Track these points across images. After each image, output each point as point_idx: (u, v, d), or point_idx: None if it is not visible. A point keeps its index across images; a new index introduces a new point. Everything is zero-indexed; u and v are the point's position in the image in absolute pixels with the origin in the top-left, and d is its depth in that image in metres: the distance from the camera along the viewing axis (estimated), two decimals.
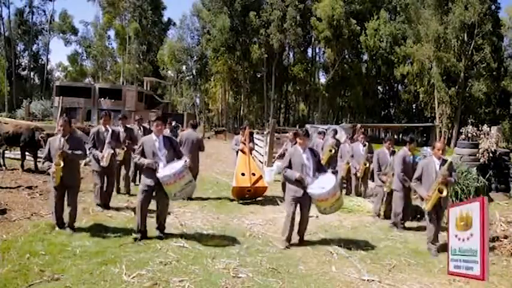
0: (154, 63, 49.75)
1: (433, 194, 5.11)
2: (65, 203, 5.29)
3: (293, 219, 5.27)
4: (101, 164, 6.44)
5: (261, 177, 8.06)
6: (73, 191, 5.29)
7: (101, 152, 6.50)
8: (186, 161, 5.13)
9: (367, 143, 8.29)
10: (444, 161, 5.25)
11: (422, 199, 5.38)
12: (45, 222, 5.58)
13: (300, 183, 5.17)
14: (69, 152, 5.11)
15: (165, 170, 4.99)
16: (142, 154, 5.18)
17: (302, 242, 5.39)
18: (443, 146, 5.44)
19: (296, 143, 5.66)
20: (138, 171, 8.89)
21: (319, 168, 5.36)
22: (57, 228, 5.27)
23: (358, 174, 8.23)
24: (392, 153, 6.89)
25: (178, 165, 5.01)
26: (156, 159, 5.09)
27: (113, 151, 6.62)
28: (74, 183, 5.29)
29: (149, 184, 5.10)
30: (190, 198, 7.99)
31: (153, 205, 5.30)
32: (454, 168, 5.51)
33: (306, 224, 5.41)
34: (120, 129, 7.59)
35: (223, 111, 47.65)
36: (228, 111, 47.57)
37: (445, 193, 5.09)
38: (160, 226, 5.35)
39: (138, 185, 8.69)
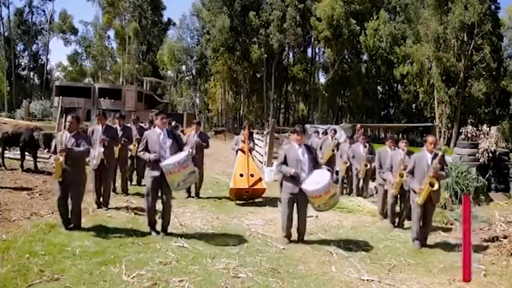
0: (154, 63, 49.68)
1: (424, 187, 5.14)
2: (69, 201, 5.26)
3: (290, 218, 5.26)
4: (93, 163, 6.52)
5: (260, 179, 7.95)
6: (75, 189, 5.22)
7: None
8: (189, 151, 5.40)
9: (367, 144, 8.26)
10: (436, 155, 5.26)
11: (415, 192, 5.37)
12: (44, 222, 5.57)
13: (295, 179, 5.14)
14: (70, 147, 5.11)
15: (169, 159, 5.13)
16: (146, 148, 5.31)
17: (302, 241, 5.36)
18: (435, 140, 5.43)
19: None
20: (135, 171, 8.89)
21: (315, 165, 5.31)
22: (61, 229, 5.25)
23: (360, 176, 8.21)
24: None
25: (182, 154, 5.20)
26: (161, 151, 5.22)
27: (103, 149, 6.62)
28: (76, 180, 5.22)
29: (155, 175, 5.20)
30: (191, 196, 8.01)
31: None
32: (446, 162, 5.50)
33: (304, 224, 5.37)
34: (117, 127, 7.63)
35: (223, 111, 47.60)
36: (227, 111, 47.51)
37: (436, 187, 5.11)
38: (164, 225, 5.37)
39: (135, 184, 8.72)
